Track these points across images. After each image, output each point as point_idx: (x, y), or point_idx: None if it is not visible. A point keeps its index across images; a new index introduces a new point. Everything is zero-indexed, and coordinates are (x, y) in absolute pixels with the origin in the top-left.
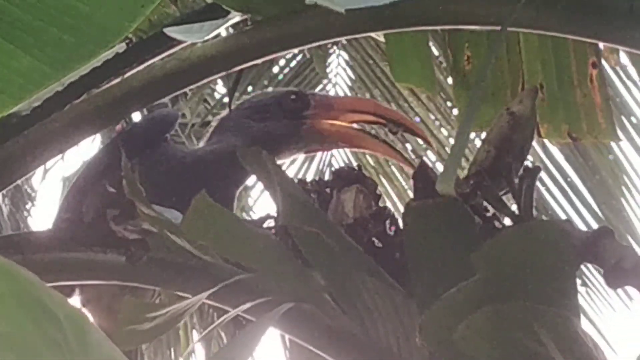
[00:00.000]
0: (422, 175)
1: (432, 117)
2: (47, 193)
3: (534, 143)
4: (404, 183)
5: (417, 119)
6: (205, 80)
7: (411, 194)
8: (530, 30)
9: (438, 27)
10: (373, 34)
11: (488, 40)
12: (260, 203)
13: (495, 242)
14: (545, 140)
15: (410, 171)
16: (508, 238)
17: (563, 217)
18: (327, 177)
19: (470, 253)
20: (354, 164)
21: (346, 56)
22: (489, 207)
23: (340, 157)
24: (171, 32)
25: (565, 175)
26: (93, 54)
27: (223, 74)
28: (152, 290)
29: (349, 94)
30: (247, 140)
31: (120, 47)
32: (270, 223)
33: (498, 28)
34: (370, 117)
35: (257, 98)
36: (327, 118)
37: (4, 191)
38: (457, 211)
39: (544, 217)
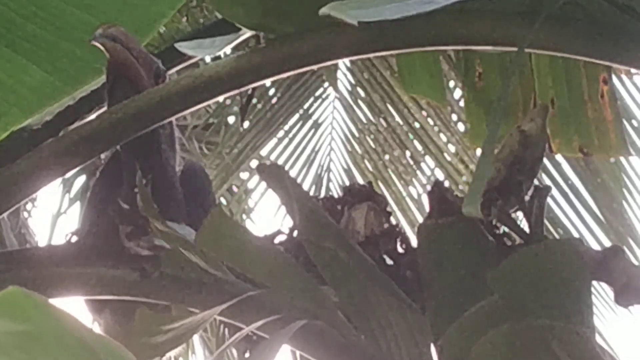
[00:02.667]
0: (437, 194)
1: (432, 122)
2: (47, 195)
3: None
4: (401, 189)
5: (417, 125)
6: (218, 98)
7: (409, 201)
8: (543, 52)
9: (451, 48)
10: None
11: (500, 57)
12: (260, 206)
13: (510, 262)
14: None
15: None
16: (523, 257)
17: (565, 220)
18: (325, 184)
19: (484, 271)
20: (353, 170)
21: (347, 61)
22: (499, 225)
23: (338, 162)
24: (182, 47)
25: (566, 178)
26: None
27: (236, 92)
28: (164, 306)
29: (348, 98)
30: None
31: None
32: (281, 238)
33: (511, 49)
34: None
35: None
36: None
37: None
38: (471, 230)
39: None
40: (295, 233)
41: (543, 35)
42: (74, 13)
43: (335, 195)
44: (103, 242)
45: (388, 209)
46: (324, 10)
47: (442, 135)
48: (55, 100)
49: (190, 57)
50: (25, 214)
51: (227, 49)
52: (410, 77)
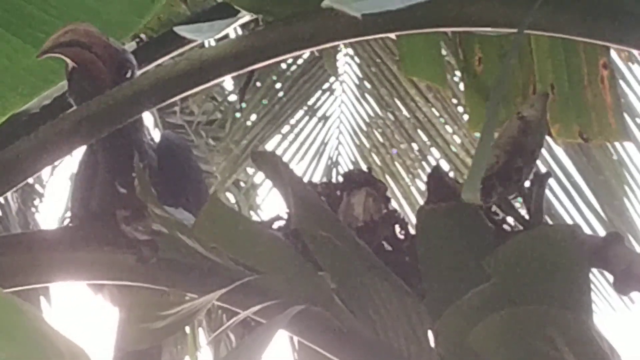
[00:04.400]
0: (436, 179)
1: (438, 114)
2: (55, 190)
3: None
4: (409, 182)
5: (423, 117)
6: (216, 81)
7: (417, 194)
8: (543, 33)
9: (451, 29)
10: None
11: (499, 42)
12: (268, 201)
13: (507, 246)
14: (550, 141)
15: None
16: (520, 243)
17: (566, 216)
18: (335, 177)
19: (483, 256)
20: (361, 163)
21: (353, 54)
22: (498, 211)
23: (347, 156)
24: (181, 30)
25: (568, 175)
26: None
27: (234, 74)
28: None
29: (356, 92)
30: None
31: (131, 46)
32: (280, 224)
33: (511, 31)
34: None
35: None
36: None
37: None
38: (470, 215)
39: (547, 217)
40: (292, 221)
41: (542, 16)
42: None
43: (334, 181)
44: (100, 226)
45: (389, 195)
46: (326, 3)
47: (448, 127)
48: (53, 84)
49: (189, 41)
50: (33, 209)
51: (227, 32)
52: (411, 60)
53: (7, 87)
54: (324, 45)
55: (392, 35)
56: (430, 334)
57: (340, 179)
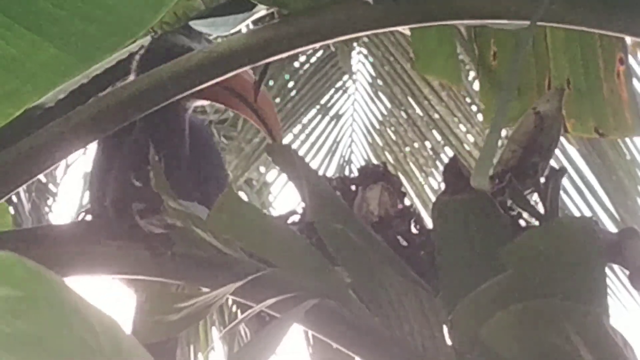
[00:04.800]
0: (453, 170)
1: (452, 114)
2: (68, 189)
3: None
4: (422, 181)
5: (437, 116)
6: (230, 74)
7: (430, 192)
8: (558, 25)
9: (465, 22)
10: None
11: (514, 36)
12: (280, 200)
13: (523, 238)
14: (564, 140)
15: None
16: (536, 235)
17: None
18: (348, 173)
19: (499, 249)
20: (374, 161)
21: (367, 53)
22: (514, 207)
23: (359, 154)
24: (197, 25)
25: (582, 176)
26: (118, 44)
27: (249, 67)
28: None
29: (369, 90)
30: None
31: (146, 40)
32: (294, 219)
33: (525, 23)
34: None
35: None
36: None
37: (26, 187)
38: (486, 207)
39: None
40: (307, 214)
41: (558, 8)
42: None
43: (349, 175)
44: (115, 220)
45: (403, 190)
46: None
47: (461, 126)
48: (67, 78)
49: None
50: (47, 209)
51: (243, 27)
52: (425, 58)
53: (22, 81)
54: (339, 38)
55: (407, 31)
56: (445, 328)
57: (355, 173)
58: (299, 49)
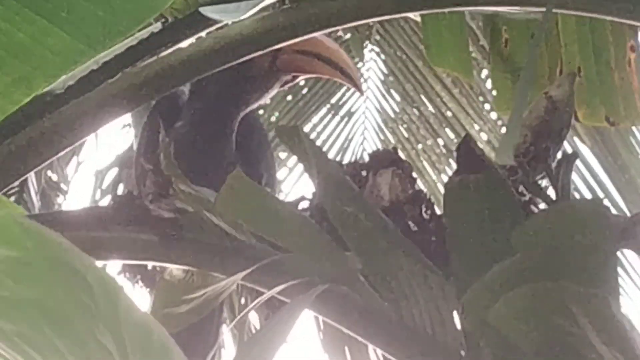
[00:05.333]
0: (466, 150)
1: (464, 111)
2: (80, 187)
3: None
4: (435, 178)
5: (449, 113)
6: (241, 60)
7: (442, 190)
8: (570, 12)
9: (478, 9)
10: (411, 15)
11: (526, 23)
12: (291, 195)
13: (534, 221)
14: (575, 138)
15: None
16: (546, 216)
17: None
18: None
19: (511, 230)
20: None
21: (379, 50)
22: (525, 192)
23: (372, 146)
24: (207, 11)
25: (594, 174)
26: (128, 29)
27: (259, 53)
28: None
29: (381, 88)
30: (209, 101)
31: (156, 27)
32: (304, 205)
33: (538, 9)
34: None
35: None
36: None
37: (36, 184)
38: (499, 187)
39: None
40: (317, 198)
41: None
42: None
43: (360, 161)
44: (125, 205)
45: (414, 175)
46: None
47: (475, 125)
48: (78, 63)
49: (215, 22)
50: (57, 207)
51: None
52: (437, 50)
53: (31, 67)
54: (350, 24)
55: (418, 18)
56: (455, 314)
57: (367, 158)
58: (310, 34)
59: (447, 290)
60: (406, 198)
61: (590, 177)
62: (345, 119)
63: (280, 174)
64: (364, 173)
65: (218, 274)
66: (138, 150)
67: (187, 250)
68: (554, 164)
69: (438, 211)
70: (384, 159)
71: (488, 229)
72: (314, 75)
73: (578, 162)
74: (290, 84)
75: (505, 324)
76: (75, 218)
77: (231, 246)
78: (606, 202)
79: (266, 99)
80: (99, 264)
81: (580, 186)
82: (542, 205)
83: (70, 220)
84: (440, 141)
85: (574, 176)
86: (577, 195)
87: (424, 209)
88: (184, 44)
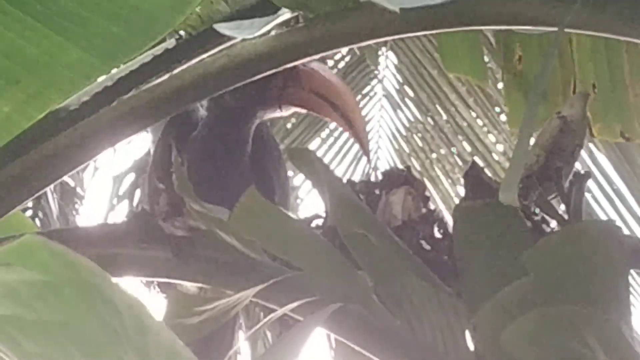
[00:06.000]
0: (474, 176)
1: (480, 122)
2: (97, 192)
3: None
4: (449, 188)
5: (463, 123)
6: (255, 77)
7: (456, 198)
8: (584, 32)
9: (491, 28)
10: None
11: (540, 40)
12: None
13: (546, 241)
14: (592, 147)
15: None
16: (559, 238)
17: None
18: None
19: (520, 253)
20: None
21: (394, 59)
22: (537, 211)
23: (386, 160)
24: (221, 28)
25: (611, 182)
26: (141, 45)
27: (273, 71)
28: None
29: (396, 96)
30: (224, 113)
31: (170, 43)
32: (318, 222)
33: (551, 29)
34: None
35: None
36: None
37: (53, 189)
38: (507, 212)
39: None
40: (328, 219)
41: (584, 14)
42: None
43: (373, 180)
44: (138, 222)
45: (427, 194)
46: None
47: (490, 135)
48: (91, 79)
49: (229, 39)
50: (74, 212)
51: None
52: (451, 56)
53: (45, 83)
54: (364, 43)
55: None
56: (467, 332)
57: (380, 177)
58: (324, 53)
59: (459, 309)
60: (419, 217)
61: (607, 185)
62: None
63: (297, 180)
64: (377, 191)
65: (231, 292)
66: (151, 168)
67: (200, 268)
68: (566, 184)
69: (451, 230)
70: (397, 177)
71: (497, 253)
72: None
73: (595, 171)
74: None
75: (517, 346)
76: (91, 235)
77: (244, 264)
78: (623, 209)
79: (282, 114)
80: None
81: (597, 195)
82: (554, 224)
83: (87, 237)
84: (454, 150)
85: (591, 184)
86: (594, 204)
87: (436, 228)
88: (198, 60)
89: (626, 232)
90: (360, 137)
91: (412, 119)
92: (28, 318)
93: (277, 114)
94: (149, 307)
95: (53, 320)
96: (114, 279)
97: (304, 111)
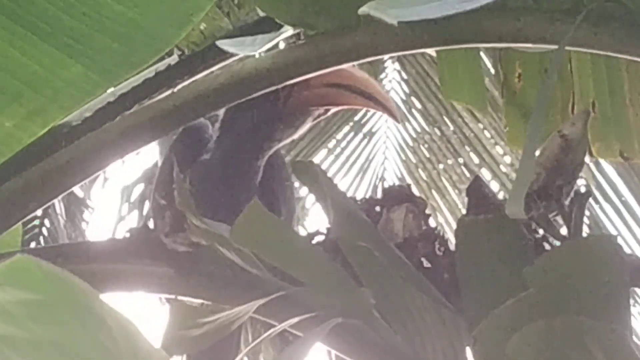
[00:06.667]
0: (476, 191)
1: (487, 133)
2: (106, 202)
3: (588, 161)
4: (455, 198)
5: (470, 133)
6: (256, 94)
7: (463, 209)
8: (584, 50)
9: (491, 45)
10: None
11: (540, 58)
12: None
13: (548, 256)
14: (600, 159)
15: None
16: (561, 253)
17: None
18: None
19: (522, 269)
20: (407, 179)
21: (401, 70)
22: (538, 229)
23: (392, 171)
24: (223, 45)
25: (619, 195)
26: (142, 62)
27: (274, 87)
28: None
29: (402, 107)
30: (240, 137)
31: (173, 59)
32: (319, 239)
33: (551, 47)
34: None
35: None
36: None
37: (62, 199)
38: (509, 227)
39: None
40: (331, 232)
41: (584, 33)
42: (108, 4)
43: (374, 196)
44: (140, 238)
45: (433, 211)
46: (363, 10)
47: (494, 143)
48: (93, 96)
49: (231, 55)
50: (84, 224)
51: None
52: (452, 84)
53: (47, 99)
54: (365, 60)
55: (433, 52)
56: (467, 349)
57: (380, 194)
58: (325, 70)
59: (460, 324)
60: (420, 235)
61: (615, 197)
62: (367, 138)
63: (303, 191)
64: (377, 209)
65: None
66: (155, 184)
67: (201, 284)
68: (567, 202)
69: (451, 247)
70: (397, 195)
71: (499, 268)
72: (346, 107)
73: (603, 183)
74: (323, 117)
75: (521, 356)
76: (91, 251)
77: (246, 280)
78: (631, 221)
79: (298, 134)
80: (116, 296)
81: (605, 207)
82: (555, 242)
83: (89, 253)
84: (462, 161)
85: (599, 196)
86: (602, 217)
87: (437, 246)
88: (200, 76)
89: (634, 243)
90: (388, 106)
91: (419, 129)
92: (21, 337)
93: (293, 133)
94: (139, 327)
95: (48, 339)
96: (106, 297)
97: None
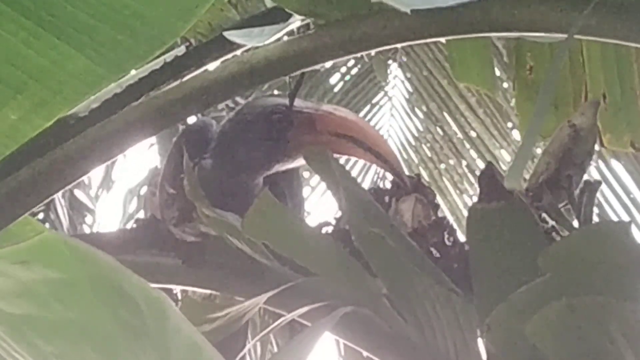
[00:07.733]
0: (488, 178)
1: (489, 133)
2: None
3: (596, 157)
4: (457, 198)
5: (473, 133)
6: (266, 84)
7: (464, 210)
8: (595, 38)
9: (501, 34)
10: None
11: (551, 50)
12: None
13: (561, 243)
14: (608, 155)
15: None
16: (575, 238)
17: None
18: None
19: (533, 256)
20: None
21: (404, 70)
22: (548, 219)
23: None
24: (231, 35)
25: (627, 192)
26: (148, 54)
27: (283, 77)
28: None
29: (406, 107)
30: (234, 167)
31: (180, 50)
32: (328, 229)
33: (562, 36)
34: (349, 143)
35: (246, 110)
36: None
37: (65, 202)
38: (521, 215)
39: None
40: (342, 221)
41: (594, 21)
42: None
43: (383, 187)
44: (148, 228)
45: (436, 201)
46: None
47: (497, 143)
48: (98, 88)
49: (239, 46)
50: (86, 227)
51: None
52: (461, 65)
53: (52, 91)
54: (375, 49)
55: (442, 41)
56: (479, 338)
57: (389, 185)
58: (334, 60)
59: (471, 313)
60: (429, 224)
61: (623, 194)
62: None
63: (314, 181)
64: (386, 199)
65: (241, 298)
66: (163, 175)
67: (210, 274)
68: (576, 192)
69: (460, 237)
70: (406, 185)
71: (511, 255)
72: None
73: (611, 179)
74: None
75: (540, 337)
76: (98, 242)
77: (254, 270)
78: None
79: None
80: None
81: (614, 203)
82: (565, 233)
83: (97, 243)
84: (463, 161)
85: (608, 193)
86: (610, 212)
87: (446, 236)
88: (208, 67)
89: None
90: (396, 168)
91: (421, 129)
92: (44, 317)
93: (293, 164)
94: (170, 302)
95: (67, 317)
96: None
97: None
